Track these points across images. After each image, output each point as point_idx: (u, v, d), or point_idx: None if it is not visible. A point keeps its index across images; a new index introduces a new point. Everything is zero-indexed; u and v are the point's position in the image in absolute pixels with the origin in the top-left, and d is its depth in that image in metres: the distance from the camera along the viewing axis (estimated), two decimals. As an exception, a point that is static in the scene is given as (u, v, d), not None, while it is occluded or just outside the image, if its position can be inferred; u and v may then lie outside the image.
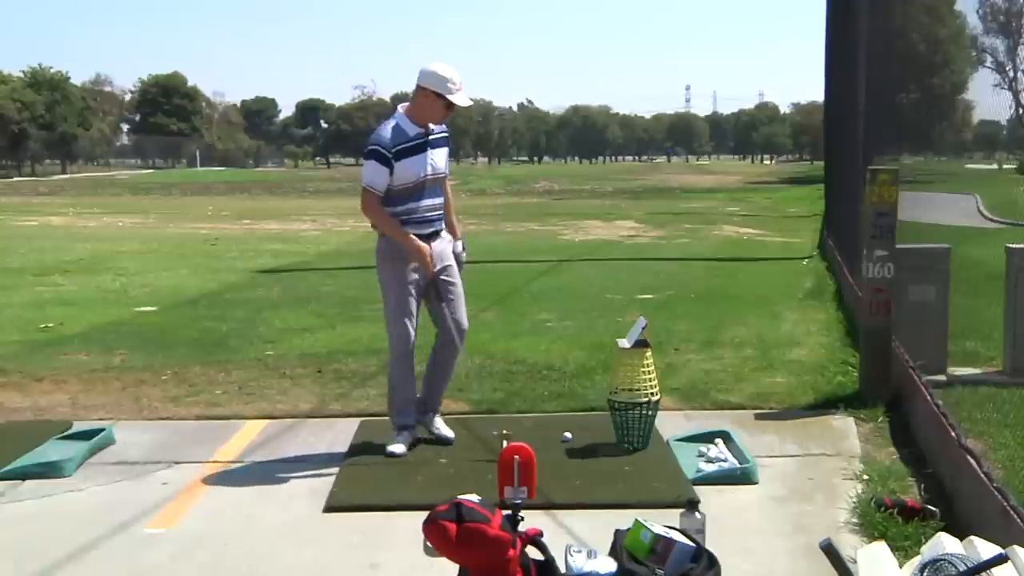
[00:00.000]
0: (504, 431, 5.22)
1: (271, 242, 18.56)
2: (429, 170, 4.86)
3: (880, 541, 3.22)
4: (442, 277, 5.00)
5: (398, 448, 4.94)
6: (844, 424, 5.47)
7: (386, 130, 4.81)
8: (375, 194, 4.82)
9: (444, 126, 5.01)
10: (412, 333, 4.99)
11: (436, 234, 4.99)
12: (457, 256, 5.10)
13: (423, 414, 5.18)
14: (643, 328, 4.99)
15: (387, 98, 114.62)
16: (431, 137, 4.89)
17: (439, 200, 4.98)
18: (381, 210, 4.85)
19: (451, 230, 5.14)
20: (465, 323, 5.15)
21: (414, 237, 4.83)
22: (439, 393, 5.25)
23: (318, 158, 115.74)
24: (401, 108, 4.92)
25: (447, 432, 5.16)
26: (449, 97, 4.75)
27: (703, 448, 4.95)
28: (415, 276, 4.91)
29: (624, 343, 4.98)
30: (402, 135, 4.79)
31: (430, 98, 4.78)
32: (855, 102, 9.24)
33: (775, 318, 8.96)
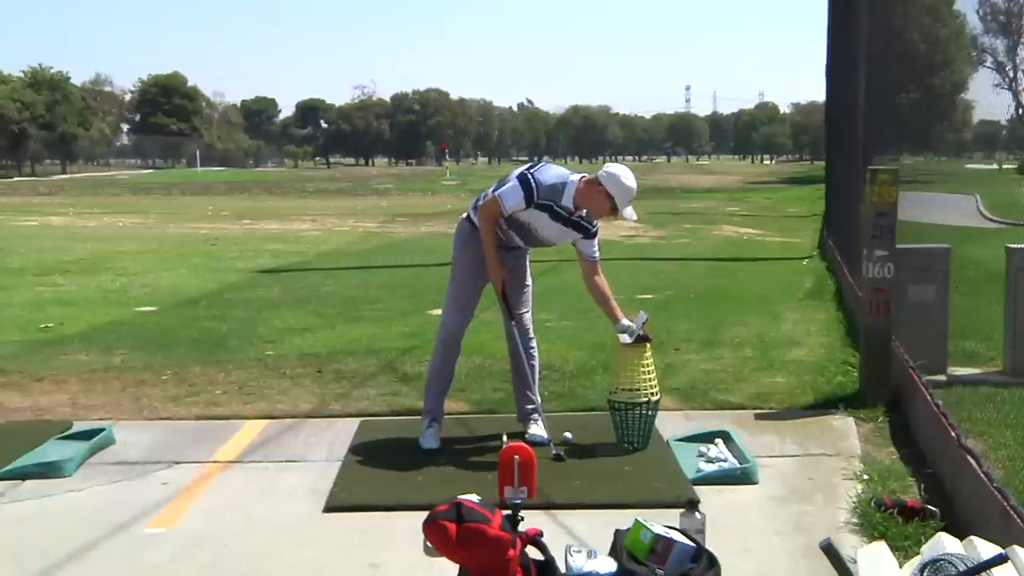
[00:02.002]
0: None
1: (271, 242, 18.56)
2: (553, 234, 4.97)
3: (880, 541, 3.22)
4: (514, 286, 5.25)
5: (428, 442, 5.03)
6: (844, 424, 5.47)
7: (552, 180, 4.81)
8: (500, 210, 4.82)
9: (596, 223, 5.00)
10: (461, 326, 5.17)
11: (512, 251, 5.14)
12: (628, 330, 5.00)
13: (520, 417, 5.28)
14: (644, 322, 5.03)
15: (387, 98, 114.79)
16: (576, 218, 4.89)
17: (536, 247, 5.22)
18: (494, 224, 4.89)
19: (612, 315, 5.11)
20: (529, 327, 5.48)
21: (500, 260, 4.96)
22: (523, 397, 5.28)
23: (318, 158, 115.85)
24: (576, 180, 4.86)
25: (537, 433, 5.09)
26: (621, 210, 4.78)
27: (703, 448, 4.95)
28: (482, 278, 5.09)
29: (626, 338, 4.98)
30: (556, 196, 4.79)
31: (603, 197, 4.75)
32: (855, 102, 9.24)
33: (775, 318, 8.96)
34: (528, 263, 5.35)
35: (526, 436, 5.00)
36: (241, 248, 17.15)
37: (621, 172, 4.81)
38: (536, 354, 5.35)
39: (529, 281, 5.37)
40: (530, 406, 5.23)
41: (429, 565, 3.09)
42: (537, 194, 4.75)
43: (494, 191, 4.90)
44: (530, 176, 4.80)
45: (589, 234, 4.99)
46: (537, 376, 5.33)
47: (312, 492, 4.52)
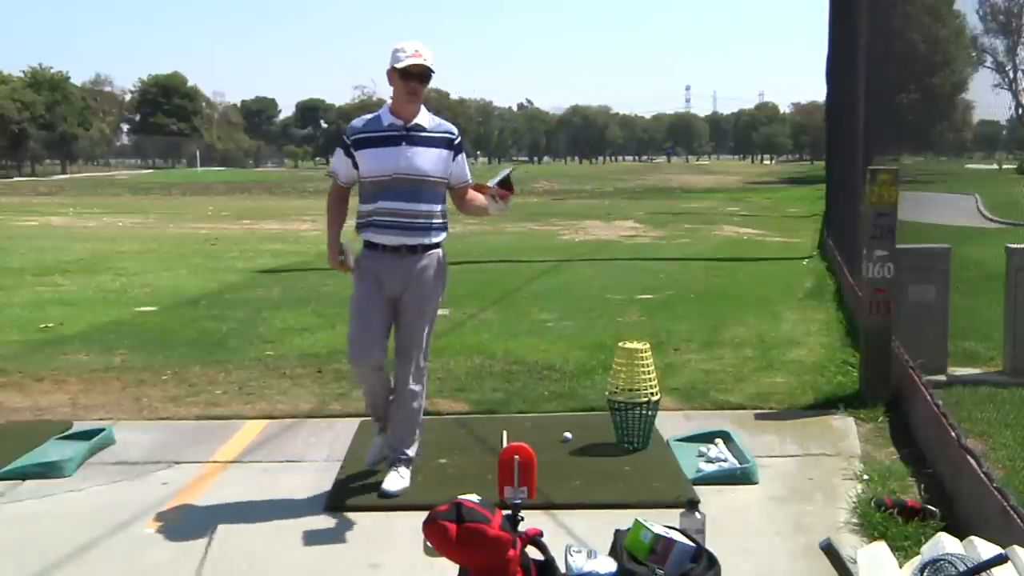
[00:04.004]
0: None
1: (271, 242, 18.56)
2: (400, 165, 4.24)
3: (880, 541, 3.22)
4: (405, 298, 4.38)
5: (374, 459, 4.62)
6: (844, 424, 5.46)
7: (360, 118, 4.48)
8: (335, 182, 4.46)
9: (447, 124, 4.45)
10: (362, 343, 4.36)
11: (410, 250, 4.34)
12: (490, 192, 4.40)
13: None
14: (507, 175, 4.47)
15: (387, 98, 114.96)
16: (414, 133, 4.30)
17: (419, 207, 4.29)
18: (331, 200, 4.51)
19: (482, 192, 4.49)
20: (412, 363, 4.41)
21: (335, 239, 4.44)
22: (395, 437, 4.51)
23: (318, 158, 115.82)
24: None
25: (390, 486, 4.39)
26: (397, 66, 4.22)
27: (703, 448, 4.95)
28: (377, 287, 4.36)
29: (493, 206, 4.46)
30: (372, 124, 4.35)
31: (391, 77, 4.30)
32: (855, 102, 9.24)
33: (775, 318, 8.96)
34: (438, 284, 4.47)
35: (381, 487, 4.39)
36: (241, 248, 17.15)
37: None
38: (422, 403, 4.55)
39: (430, 307, 4.46)
40: (401, 455, 4.50)
41: (429, 565, 3.09)
42: (347, 135, 4.35)
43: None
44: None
45: (454, 146, 4.39)
46: (419, 425, 4.57)
47: (312, 492, 4.51)
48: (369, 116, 4.44)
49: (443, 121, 4.45)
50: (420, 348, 4.44)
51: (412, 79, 4.25)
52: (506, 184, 4.41)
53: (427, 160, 4.30)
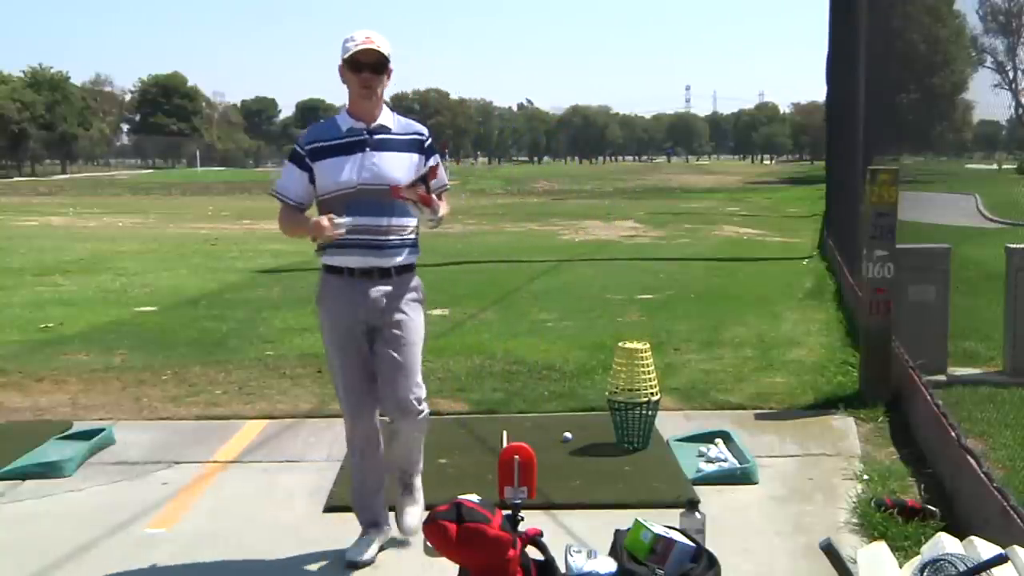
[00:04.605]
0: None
1: (271, 242, 18.54)
2: (365, 175, 3.67)
3: (880, 541, 3.22)
4: (384, 330, 3.74)
5: (359, 555, 3.74)
6: (844, 424, 5.46)
7: (314, 125, 3.94)
8: (283, 202, 3.80)
9: (416, 125, 3.89)
10: (363, 412, 3.80)
11: (383, 273, 3.73)
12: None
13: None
14: (429, 167, 3.78)
15: (387, 98, 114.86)
16: (379, 136, 3.73)
17: (391, 221, 3.70)
18: (283, 218, 3.85)
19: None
20: (409, 394, 3.72)
21: (306, 219, 3.76)
22: (404, 457, 3.90)
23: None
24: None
25: (406, 522, 3.90)
26: (345, 56, 3.66)
27: (703, 448, 4.95)
28: (349, 325, 3.73)
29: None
30: (329, 130, 3.76)
31: (343, 73, 3.73)
32: (855, 102, 9.24)
33: (775, 318, 8.96)
34: (421, 311, 3.87)
35: (400, 528, 3.93)
36: (241, 248, 17.15)
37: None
38: (420, 426, 3.83)
39: (418, 336, 3.82)
40: (408, 493, 3.95)
41: (429, 565, 3.09)
42: (300, 145, 3.75)
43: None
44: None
45: (425, 149, 3.82)
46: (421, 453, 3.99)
47: (312, 492, 4.51)
48: (323, 122, 3.88)
49: (411, 121, 3.89)
50: (414, 378, 3.75)
51: (364, 69, 3.66)
52: (424, 183, 3.65)
53: (396, 167, 3.71)
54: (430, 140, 3.87)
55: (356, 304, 3.71)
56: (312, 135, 3.79)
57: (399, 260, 3.76)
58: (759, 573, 3.62)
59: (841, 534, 3.88)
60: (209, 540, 4.01)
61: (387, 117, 3.79)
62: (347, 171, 3.68)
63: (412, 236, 3.81)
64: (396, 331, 3.72)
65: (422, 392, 3.78)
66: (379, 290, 3.72)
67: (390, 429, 3.81)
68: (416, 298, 3.83)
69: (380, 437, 3.88)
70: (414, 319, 3.79)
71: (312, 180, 3.74)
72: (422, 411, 3.77)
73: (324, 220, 3.59)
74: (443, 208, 3.76)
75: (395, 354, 3.71)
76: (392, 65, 3.71)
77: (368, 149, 3.71)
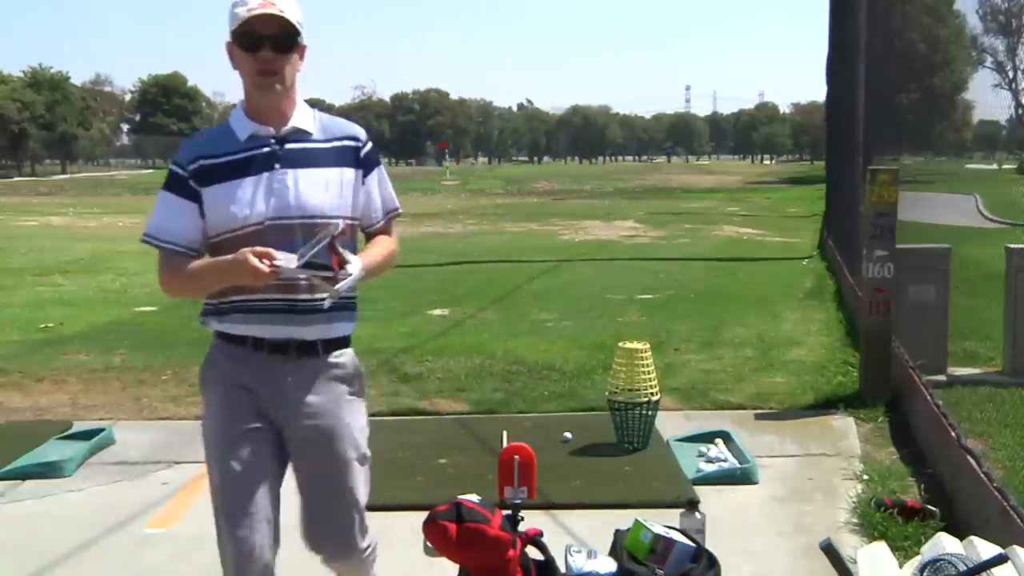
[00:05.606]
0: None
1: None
2: (276, 205, 2.51)
3: (880, 541, 3.22)
4: (306, 439, 2.64)
5: None
6: (844, 424, 5.46)
7: (199, 133, 2.76)
8: (167, 257, 2.57)
9: (349, 126, 2.70)
10: (250, 538, 2.71)
11: (304, 349, 2.59)
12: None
13: None
14: (321, 244, 2.41)
15: (387, 98, 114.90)
16: (292, 145, 2.57)
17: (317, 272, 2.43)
18: (169, 279, 2.59)
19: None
20: (347, 536, 2.78)
21: (217, 262, 2.51)
22: None
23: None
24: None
25: None
26: (233, 28, 2.50)
27: (703, 448, 4.95)
28: (245, 423, 2.59)
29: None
30: (220, 141, 2.58)
31: (232, 54, 2.56)
32: (855, 102, 9.24)
33: (775, 318, 8.96)
34: (361, 405, 2.74)
35: None
36: (241, 248, 17.13)
37: None
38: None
39: (358, 443, 2.72)
40: None
41: (429, 565, 3.09)
42: (189, 156, 2.55)
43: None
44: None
45: (362, 160, 2.65)
46: None
47: (312, 492, 4.51)
48: (212, 129, 2.72)
49: (342, 122, 2.71)
50: (354, 513, 2.74)
51: (263, 45, 2.48)
52: (319, 263, 2.40)
53: (320, 187, 2.56)
54: (368, 147, 2.70)
55: (261, 393, 2.59)
56: (196, 148, 2.59)
57: (329, 331, 2.61)
58: (759, 573, 3.62)
59: (841, 534, 3.88)
60: (209, 540, 3.98)
61: (304, 117, 2.62)
62: (249, 199, 2.51)
63: (351, 294, 2.62)
64: (326, 442, 2.64)
65: (368, 536, 2.81)
66: (298, 375, 2.60)
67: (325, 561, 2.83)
68: (353, 391, 2.69)
69: None
70: (351, 423, 2.67)
71: (201, 212, 2.54)
72: (367, 552, 2.84)
73: (254, 259, 2.34)
74: (370, 259, 2.59)
75: (326, 477, 2.68)
76: (304, 41, 2.56)
77: (277, 165, 2.54)
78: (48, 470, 4.80)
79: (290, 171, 2.55)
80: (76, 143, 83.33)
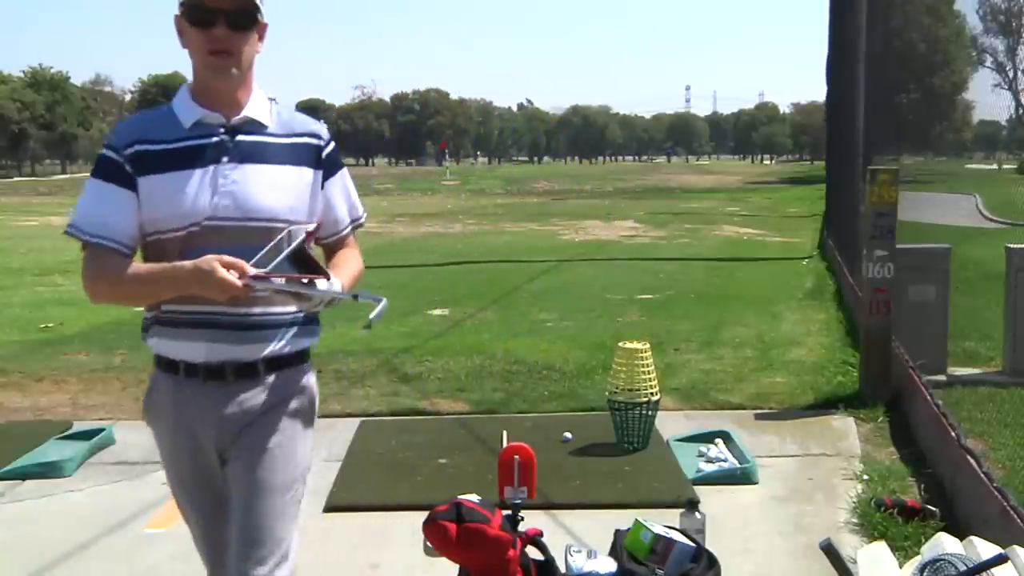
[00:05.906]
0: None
1: (271, 242, 18.55)
2: (220, 203, 2.20)
3: (880, 541, 3.22)
4: (239, 458, 2.29)
5: None
6: (844, 424, 5.47)
7: (139, 114, 2.41)
8: (94, 256, 2.34)
9: (310, 122, 2.40)
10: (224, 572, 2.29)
11: (244, 371, 2.28)
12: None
13: None
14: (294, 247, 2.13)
15: (387, 98, 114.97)
16: (244, 137, 2.26)
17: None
18: (100, 274, 2.35)
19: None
20: (255, 570, 2.22)
21: (175, 267, 2.14)
22: None
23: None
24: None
25: None
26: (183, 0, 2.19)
27: (703, 448, 4.95)
28: (194, 459, 2.31)
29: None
30: (161, 126, 2.25)
31: (181, 30, 2.23)
32: (855, 102, 9.24)
33: (775, 318, 8.96)
34: (305, 432, 2.39)
35: None
36: (241, 248, 17.12)
37: None
38: None
39: (285, 477, 2.31)
40: None
41: (429, 565, 3.09)
42: (124, 138, 2.23)
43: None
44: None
45: (324, 160, 2.35)
46: None
47: (312, 492, 4.48)
48: (153, 111, 2.34)
49: (304, 117, 2.41)
50: (271, 545, 2.26)
51: (217, 21, 2.17)
52: (302, 262, 2.16)
53: (272, 187, 2.26)
54: (331, 147, 2.40)
55: (203, 424, 2.28)
56: (133, 131, 2.25)
57: (276, 349, 2.30)
58: (759, 573, 3.62)
59: (841, 534, 3.88)
60: (209, 540, 4.01)
61: (259, 106, 2.31)
62: (190, 194, 2.19)
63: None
64: (257, 465, 2.27)
65: (287, 572, 2.29)
66: (239, 403, 2.27)
67: None
68: (297, 408, 2.35)
69: None
70: (287, 446, 2.32)
71: (138, 203, 2.23)
72: None
73: (222, 270, 2.02)
74: (337, 281, 2.24)
75: (248, 504, 2.26)
76: (265, 19, 2.26)
77: (225, 159, 2.23)
78: (48, 470, 4.80)
79: (239, 166, 2.23)
80: (76, 143, 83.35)
